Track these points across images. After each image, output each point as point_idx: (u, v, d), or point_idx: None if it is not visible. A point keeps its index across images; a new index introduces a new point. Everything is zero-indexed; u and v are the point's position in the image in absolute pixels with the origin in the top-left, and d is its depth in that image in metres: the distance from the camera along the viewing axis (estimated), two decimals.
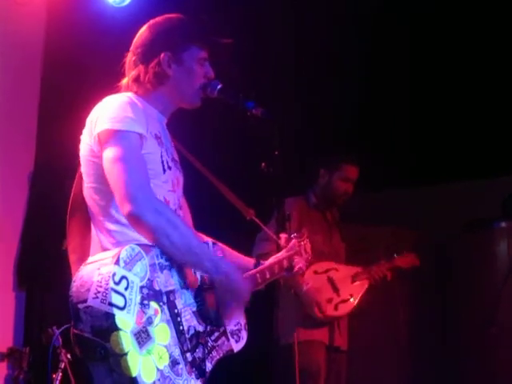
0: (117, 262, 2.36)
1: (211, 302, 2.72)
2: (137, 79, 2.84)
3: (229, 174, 5.21)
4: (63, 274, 2.87)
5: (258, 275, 2.95)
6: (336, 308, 4.83)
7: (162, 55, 2.82)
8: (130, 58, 2.88)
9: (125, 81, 2.87)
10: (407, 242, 5.34)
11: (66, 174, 3.08)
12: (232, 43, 3.00)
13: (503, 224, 5.42)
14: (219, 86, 2.91)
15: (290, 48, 5.39)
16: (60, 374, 4.30)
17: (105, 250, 2.62)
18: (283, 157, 3.05)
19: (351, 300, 4.88)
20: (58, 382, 4.31)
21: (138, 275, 2.40)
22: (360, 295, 4.91)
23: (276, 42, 5.39)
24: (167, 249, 2.56)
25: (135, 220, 2.53)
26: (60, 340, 4.19)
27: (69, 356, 4.26)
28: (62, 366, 4.29)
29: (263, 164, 3.09)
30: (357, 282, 4.92)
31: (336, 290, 4.86)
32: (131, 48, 2.90)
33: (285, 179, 3.13)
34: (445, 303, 5.59)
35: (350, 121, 5.56)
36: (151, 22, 2.92)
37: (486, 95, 5.22)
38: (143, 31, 2.90)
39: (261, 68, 5.36)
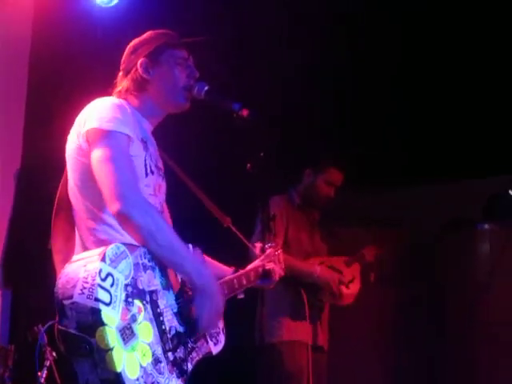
0: (103, 259, 2.40)
1: (191, 305, 2.76)
2: (121, 91, 2.93)
3: (214, 175, 5.29)
4: (49, 272, 2.90)
5: (235, 281, 3.02)
6: (348, 287, 4.93)
7: (139, 62, 2.92)
8: (118, 76, 2.99)
9: (114, 96, 2.93)
10: (389, 242, 5.38)
11: (52, 173, 3.11)
12: (207, 41, 3.05)
13: (486, 226, 5.47)
14: (206, 88, 2.96)
15: (277, 44, 5.39)
16: (45, 371, 4.32)
17: (86, 248, 2.67)
18: (268, 157, 3.11)
19: (356, 280, 5.00)
20: (43, 379, 4.33)
21: (122, 273, 2.44)
22: (359, 276, 5.03)
23: (263, 39, 5.40)
24: (152, 248, 2.60)
25: (123, 218, 2.58)
26: (45, 338, 4.21)
27: (54, 354, 4.28)
28: (48, 363, 4.31)
29: (248, 165, 3.14)
30: (351, 266, 5.02)
31: (340, 272, 4.94)
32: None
33: (269, 180, 3.18)
34: (428, 303, 5.63)
35: (332, 119, 5.57)
36: (133, 41, 3.03)
37: (474, 97, 5.23)
38: (126, 50, 3.01)
39: (244, 66, 5.37)
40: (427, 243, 5.71)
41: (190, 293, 2.73)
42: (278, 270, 3.25)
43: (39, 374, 4.34)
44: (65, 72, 4.95)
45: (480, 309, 5.34)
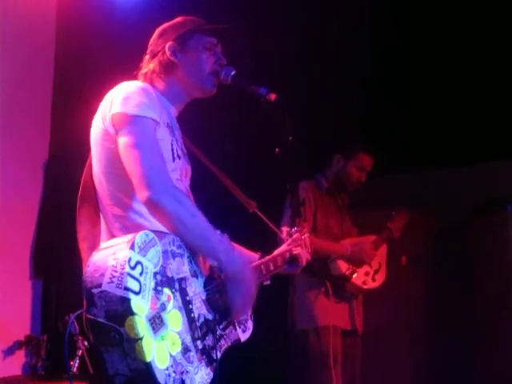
0: (132, 247, 2.36)
1: (220, 292, 2.73)
2: (147, 73, 2.91)
3: (242, 160, 5.27)
4: (79, 262, 2.90)
5: (262, 267, 2.98)
6: (374, 279, 4.92)
7: (167, 45, 2.90)
8: (144, 59, 2.97)
9: (140, 79, 2.92)
10: (419, 226, 5.33)
11: (80, 163, 3.10)
12: (237, 29, 3.03)
13: None
14: (233, 72, 2.94)
15: (293, 35, 5.37)
16: (77, 361, 4.35)
17: (112, 235, 2.65)
18: (296, 142, 3.07)
19: (382, 268, 4.97)
20: (75, 368, 4.36)
21: (151, 261, 2.41)
22: (385, 260, 5.00)
23: (291, 24, 5.38)
24: (183, 235, 2.57)
25: (153, 205, 2.55)
26: (77, 327, 4.23)
27: (86, 343, 4.30)
28: (80, 353, 4.33)
29: (277, 150, 3.11)
30: (379, 249, 4.97)
31: (368, 263, 4.91)
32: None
33: (298, 164, 3.14)
34: (459, 287, 5.57)
35: (359, 104, 5.52)
36: (162, 25, 3.01)
37: (503, 77, 5.17)
38: (154, 33, 3.00)
39: (265, 55, 5.35)
40: (458, 225, 5.65)
41: (218, 279, 2.70)
42: (304, 255, 3.20)
43: (71, 363, 4.37)
44: (90, 61, 4.95)
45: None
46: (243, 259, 2.76)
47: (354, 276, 4.81)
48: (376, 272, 4.94)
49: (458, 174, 5.53)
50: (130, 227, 2.62)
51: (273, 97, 2.94)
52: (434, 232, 5.65)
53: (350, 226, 5.08)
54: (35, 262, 4.91)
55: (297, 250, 3.16)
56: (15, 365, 4.65)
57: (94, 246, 2.60)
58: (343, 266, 4.80)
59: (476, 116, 5.20)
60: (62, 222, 4.83)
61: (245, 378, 5.23)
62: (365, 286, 4.87)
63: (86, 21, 4.94)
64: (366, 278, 4.88)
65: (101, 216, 2.75)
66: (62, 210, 4.83)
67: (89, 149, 2.84)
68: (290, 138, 3.06)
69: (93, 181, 2.77)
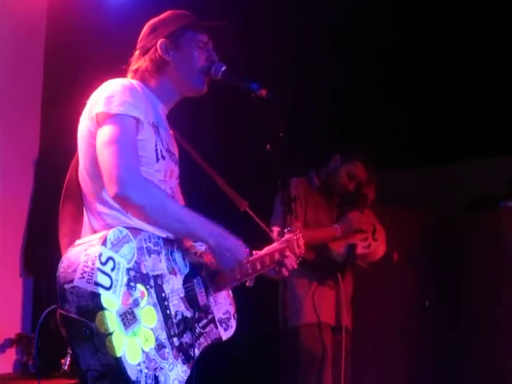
0: (104, 243, 2.37)
1: (200, 289, 2.74)
2: (138, 69, 2.90)
3: (234, 157, 5.25)
4: None
5: (248, 266, 2.94)
6: (375, 239, 4.86)
7: (159, 42, 2.87)
8: (134, 54, 2.95)
9: (129, 75, 2.91)
10: (413, 222, 5.29)
11: (70, 160, 3.10)
12: (229, 26, 3.01)
13: (510, 203, 5.36)
14: (223, 68, 2.92)
15: (295, 35, 5.36)
16: (68, 358, 4.34)
17: (95, 232, 2.64)
18: (290, 139, 3.05)
19: (377, 227, 4.91)
20: (66, 366, 4.35)
21: (125, 257, 2.41)
22: (377, 220, 4.94)
23: (283, 31, 5.37)
24: (158, 223, 2.59)
25: (122, 201, 2.56)
26: None
27: None
28: (71, 351, 4.32)
29: (268, 146, 3.08)
30: (364, 214, 4.91)
31: (360, 230, 4.87)
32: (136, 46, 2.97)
33: (290, 161, 3.12)
34: (453, 284, 5.56)
35: (358, 104, 5.51)
36: (151, 20, 2.98)
37: (497, 74, 5.15)
38: (144, 28, 2.97)
39: (260, 51, 5.34)
40: (451, 221, 5.64)
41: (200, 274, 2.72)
42: (291, 263, 3.13)
43: (62, 361, 4.36)
44: (81, 58, 4.96)
45: (506, 290, 5.24)
46: (222, 228, 2.74)
47: (356, 250, 4.76)
48: (374, 232, 4.88)
49: (450, 172, 5.52)
50: (112, 225, 2.61)
51: (264, 92, 2.92)
52: (427, 228, 5.62)
53: None
54: (26, 260, 4.90)
55: (287, 258, 3.10)
56: (6, 363, 4.67)
57: (73, 242, 2.58)
58: (340, 249, 4.77)
59: (469, 113, 5.19)
60: (53, 218, 4.81)
61: (237, 376, 5.23)
62: (369, 250, 4.80)
63: (77, 17, 4.93)
64: (367, 242, 4.82)
65: (84, 213, 2.74)
66: (53, 207, 4.80)
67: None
68: (281, 134, 3.04)
69: (78, 178, 2.78)
